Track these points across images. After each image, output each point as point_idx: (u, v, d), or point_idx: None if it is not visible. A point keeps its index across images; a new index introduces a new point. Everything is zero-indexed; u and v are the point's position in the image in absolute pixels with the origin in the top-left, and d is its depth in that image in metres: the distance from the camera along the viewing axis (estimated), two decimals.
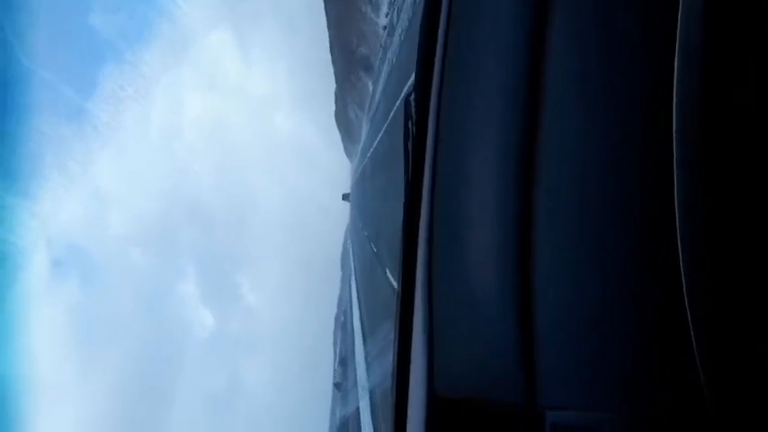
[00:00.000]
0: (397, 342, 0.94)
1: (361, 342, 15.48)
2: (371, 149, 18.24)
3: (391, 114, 11.34)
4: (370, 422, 11.34)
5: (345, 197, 34.43)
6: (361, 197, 23.24)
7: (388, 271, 10.22)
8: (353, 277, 22.47)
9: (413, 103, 1.03)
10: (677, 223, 0.50)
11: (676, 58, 0.48)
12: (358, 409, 13.92)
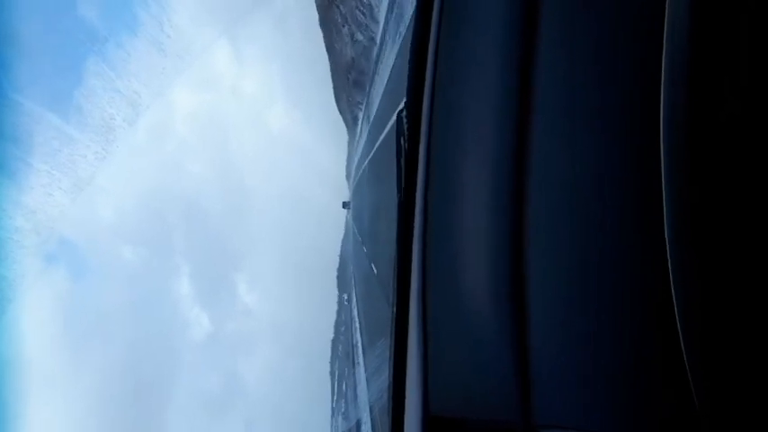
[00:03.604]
0: (392, 361, 0.93)
1: (361, 356, 15.31)
2: (366, 164, 18.29)
3: (385, 131, 11.43)
4: None
5: (345, 205, 33.75)
6: (359, 209, 23.20)
7: (382, 286, 10.16)
8: (353, 290, 22.32)
9: (404, 120, 1.03)
10: (666, 239, 0.50)
11: (663, 66, 0.49)
12: (358, 423, 13.70)
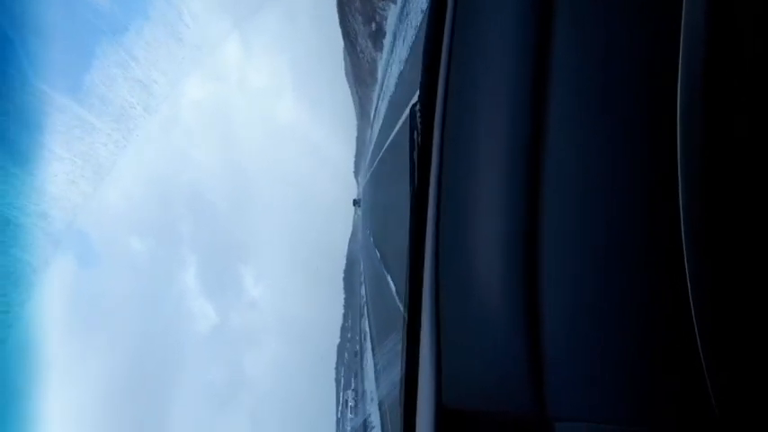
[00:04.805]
0: (404, 354, 0.93)
1: (371, 351, 15.39)
2: (377, 161, 18.27)
3: (398, 125, 11.41)
4: None
5: (356, 203, 33.57)
6: (370, 207, 23.21)
7: (393, 282, 10.18)
8: (363, 286, 22.40)
9: (418, 114, 1.03)
10: (683, 233, 0.50)
11: (680, 64, 0.48)
12: (366, 420, 13.81)
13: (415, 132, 1.06)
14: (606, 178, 0.64)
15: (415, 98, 1.06)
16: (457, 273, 0.84)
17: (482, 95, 0.84)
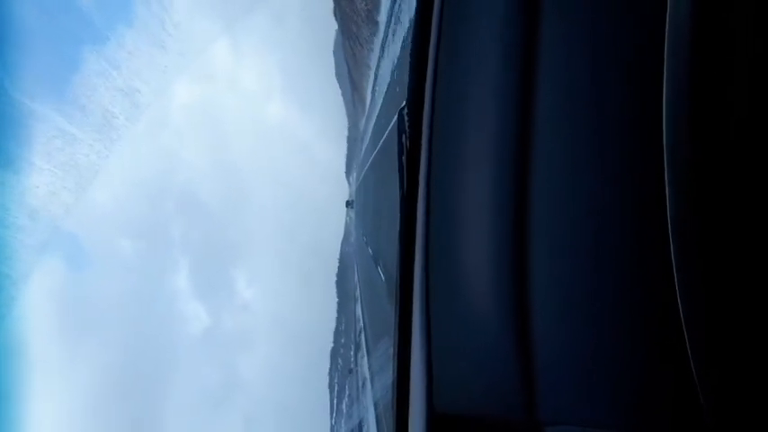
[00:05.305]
0: (396, 359, 0.93)
1: (365, 354, 15.35)
2: (370, 162, 18.23)
3: (388, 128, 11.41)
4: None
5: (349, 204, 33.38)
6: (363, 209, 23.14)
7: (387, 284, 10.15)
8: (357, 290, 22.34)
9: (406, 117, 1.03)
10: (670, 234, 0.50)
11: (665, 63, 0.48)
12: (361, 423, 13.77)
13: (404, 136, 1.06)
14: (594, 181, 0.64)
15: (404, 101, 1.06)
16: (447, 277, 0.84)
17: (470, 98, 0.85)
